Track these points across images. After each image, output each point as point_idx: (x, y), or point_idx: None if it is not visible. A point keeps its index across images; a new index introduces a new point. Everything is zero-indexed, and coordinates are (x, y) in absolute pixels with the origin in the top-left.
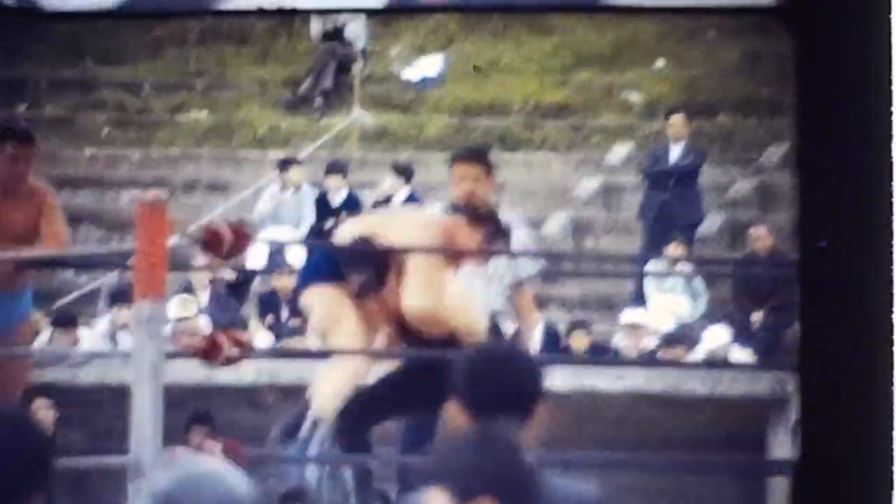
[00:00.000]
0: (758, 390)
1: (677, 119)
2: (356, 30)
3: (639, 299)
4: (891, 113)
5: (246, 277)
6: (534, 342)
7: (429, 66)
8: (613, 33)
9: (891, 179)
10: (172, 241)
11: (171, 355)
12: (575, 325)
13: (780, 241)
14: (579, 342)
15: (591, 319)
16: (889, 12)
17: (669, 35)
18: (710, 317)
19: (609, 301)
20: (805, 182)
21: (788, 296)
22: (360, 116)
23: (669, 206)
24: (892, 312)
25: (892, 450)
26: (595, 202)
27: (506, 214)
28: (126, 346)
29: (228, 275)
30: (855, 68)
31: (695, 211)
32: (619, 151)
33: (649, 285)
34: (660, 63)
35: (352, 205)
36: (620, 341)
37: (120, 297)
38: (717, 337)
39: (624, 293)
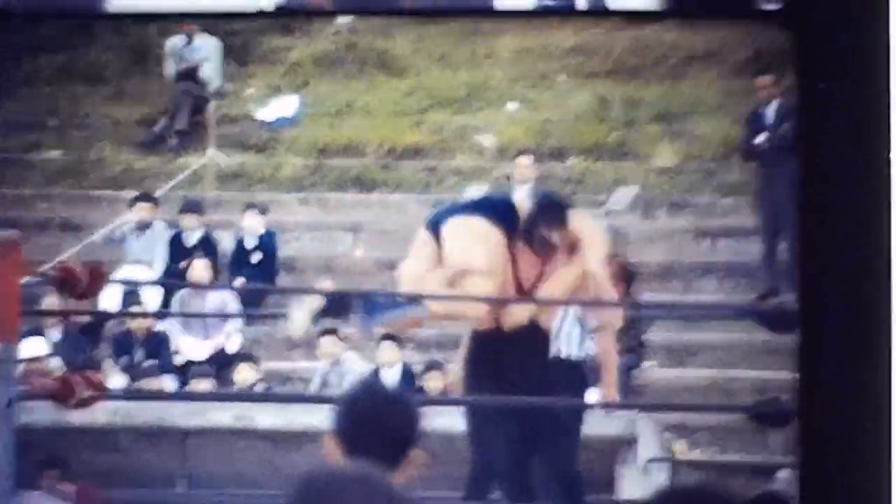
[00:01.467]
0: (606, 430)
1: (522, 161)
2: (210, 70)
3: None
4: (889, 116)
5: (100, 318)
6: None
7: (284, 106)
8: (467, 75)
9: (889, 185)
10: (25, 280)
11: (24, 397)
12: (430, 367)
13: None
14: (434, 383)
15: (446, 360)
16: (888, 13)
17: (521, 79)
18: None
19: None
20: (805, 186)
21: (636, 337)
22: (215, 156)
23: None
24: (891, 326)
25: (891, 477)
26: None
27: None
28: None
29: (82, 315)
30: (854, 71)
31: None
32: (473, 193)
33: None
34: (512, 106)
35: (207, 245)
36: None
37: None
38: None
39: None
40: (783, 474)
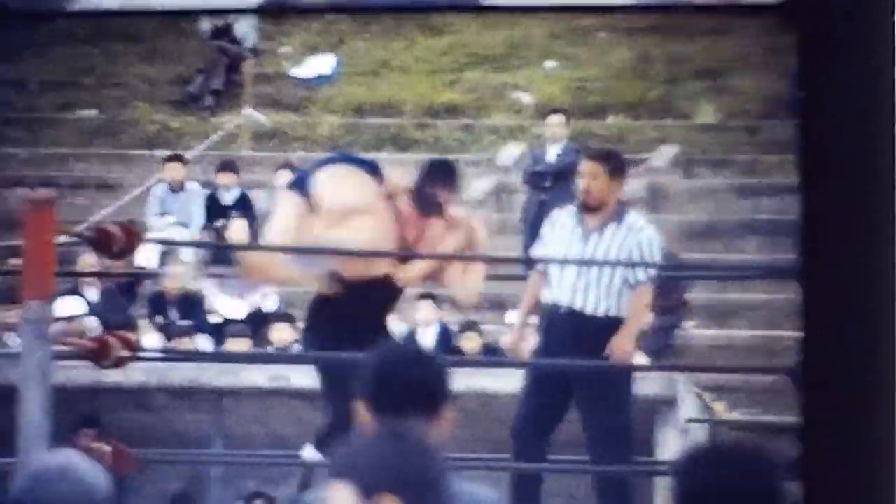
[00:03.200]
0: (647, 391)
1: (554, 119)
2: (245, 28)
3: None
4: (894, 114)
5: (136, 277)
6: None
7: (320, 65)
8: (505, 33)
9: (893, 180)
10: (61, 240)
11: (60, 356)
12: (466, 327)
13: (668, 241)
14: (470, 343)
15: (482, 320)
16: (893, 11)
17: (560, 36)
18: None
19: (499, 302)
20: (808, 184)
21: (677, 297)
22: (251, 115)
23: (548, 207)
24: (893, 314)
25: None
26: (487, 202)
27: (630, 216)
28: (13, 346)
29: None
30: (859, 68)
31: None
32: (511, 152)
33: None
34: (550, 64)
35: (243, 204)
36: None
37: (6, 296)
38: None
39: (513, 294)
40: None
